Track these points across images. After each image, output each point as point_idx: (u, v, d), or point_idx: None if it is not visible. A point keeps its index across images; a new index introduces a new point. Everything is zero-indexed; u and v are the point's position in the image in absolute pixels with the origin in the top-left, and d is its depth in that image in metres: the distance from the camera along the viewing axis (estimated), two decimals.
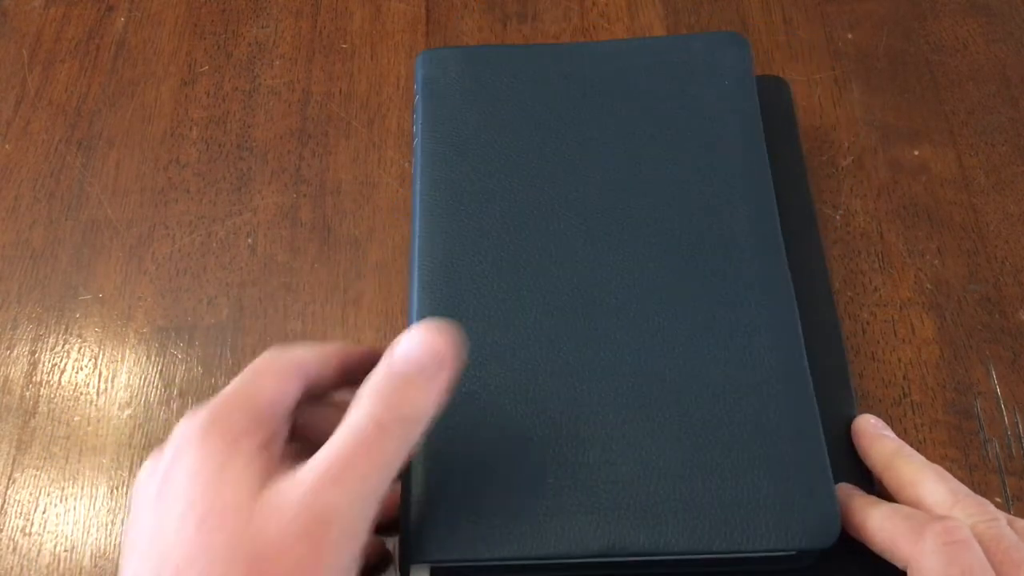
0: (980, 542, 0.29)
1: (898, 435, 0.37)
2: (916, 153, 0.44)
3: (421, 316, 0.34)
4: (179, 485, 0.25)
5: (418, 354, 0.27)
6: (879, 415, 0.37)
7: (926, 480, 0.31)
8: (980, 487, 0.36)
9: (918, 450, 0.37)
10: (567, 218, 0.36)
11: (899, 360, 0.39)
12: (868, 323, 0.39)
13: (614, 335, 0.33)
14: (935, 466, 0.32)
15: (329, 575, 0.24)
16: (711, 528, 0.30)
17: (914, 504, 0.31)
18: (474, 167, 0.37)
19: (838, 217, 0.42)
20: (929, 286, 0.40)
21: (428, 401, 0.27)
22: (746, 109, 0.38)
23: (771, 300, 0.34)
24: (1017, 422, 0.37)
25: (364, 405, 0.26)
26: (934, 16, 0.48)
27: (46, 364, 0.41)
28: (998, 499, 0.36)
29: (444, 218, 0.36)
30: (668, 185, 0.36)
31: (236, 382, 0.28)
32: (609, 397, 0.32)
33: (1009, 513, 0.35)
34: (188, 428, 0.27)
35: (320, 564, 0.24)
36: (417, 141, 0.38)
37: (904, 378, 0.38)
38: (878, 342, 0.39)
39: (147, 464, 0.28)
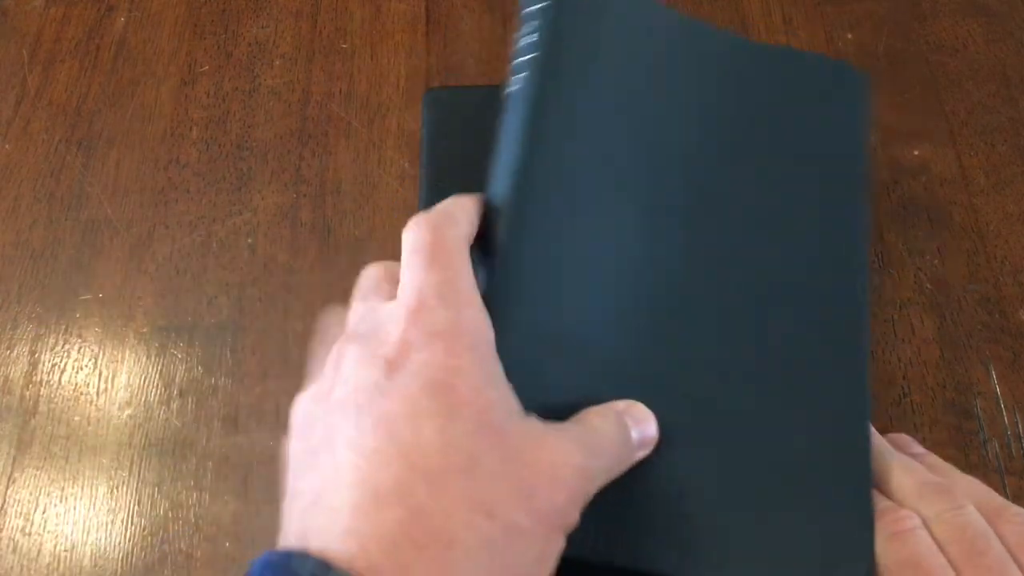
0: (944, 531, 0.29)
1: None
2: (916, 153, 0.44)
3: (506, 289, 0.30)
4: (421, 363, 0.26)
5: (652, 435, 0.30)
6: (879, 415, 0.37)
7: (892, 475, 0.32)
8: None
9: None
10: (663, 217, 0.34)
11: (899, 360, 0.39)
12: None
13: (689, 350, 0.32)
14: (904, 460, 0.32)
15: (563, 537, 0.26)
16: (745, 561, 0.30)
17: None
18: (586, 119, 0.33)
19: None
20: (929, 286, 0.40)
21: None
22: (855, 150, 0.37)
23: (845, 350, 0.33)
24: (1017, 422, 0.37)
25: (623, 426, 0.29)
26: (934, 16, 0.48)
27: (46, 364, 0.41)
28: None
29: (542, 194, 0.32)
30: (766, 208, 0.35)
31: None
32: (672, 415, 0.31)
33: None
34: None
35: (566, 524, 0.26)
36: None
37: (904, 378, 0.38)
38: (878, 342, 0.39)
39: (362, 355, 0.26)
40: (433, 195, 0.34)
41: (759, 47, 0.39)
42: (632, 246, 0.33)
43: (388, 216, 0.44)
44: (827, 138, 0.37)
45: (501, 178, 0.32)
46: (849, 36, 0.48)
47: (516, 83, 0.33)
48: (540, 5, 0.34)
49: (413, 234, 0.28)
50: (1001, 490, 0.36)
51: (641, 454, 0.30)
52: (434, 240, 0.28)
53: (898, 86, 0.46)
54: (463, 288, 0.27)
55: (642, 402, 0.30)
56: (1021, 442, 0.37)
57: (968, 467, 0.36)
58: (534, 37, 0.34)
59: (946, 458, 0.37)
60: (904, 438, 0.34)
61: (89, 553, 0.37)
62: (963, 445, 0.37)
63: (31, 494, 0.38)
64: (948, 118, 0.45)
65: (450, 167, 0.37)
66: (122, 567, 0.36)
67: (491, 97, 0.37)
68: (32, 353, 0.41)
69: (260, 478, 0.37)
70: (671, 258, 0.33)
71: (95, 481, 0.38)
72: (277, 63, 0.49)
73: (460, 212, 0.29)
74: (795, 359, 0.32)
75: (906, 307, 0.40)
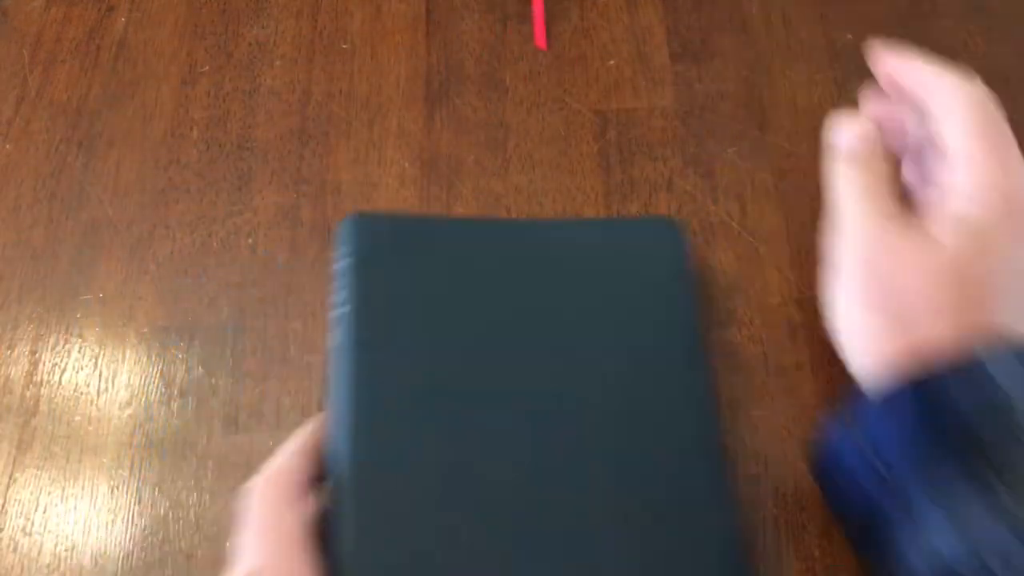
0: None
1: None
2: None
3: (346, 522, 0.32)
4: None
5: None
6: None
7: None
8: None
9: None
10: (505, 412, 0.34)
11: None
12: None
13: (551, 536, 0.32)
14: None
15: None
16: None
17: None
18: (410, 352, 0.35)
19: None
20: None
21: None
22: (682, 297, 0.37)
23: (715, 516, 0.33)
24: None
25: None
26: (934, 16, 0.48)
27: (47, 364, 0.41)
28: None
29: (376, 414, 0.34)
30: (606, 375, 0.35)
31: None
32: None
33: None
34: None
35: None
36: (341, 312, 0.36)
37: None
38: None
39: None
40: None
41: (561, 224, 0.40)
42: (476, 467, 0.33)
43: None
44: (658, 293, 0.37)
45: (335, 441, 0.33)
46: (849, 36, 0.48)
47: (334, 338, 0.36)
48: (341, 263, 0.37)
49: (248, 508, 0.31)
50: None
51: None
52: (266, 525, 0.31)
53: None
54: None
55: None
56: None
57: None
58: (342, 293, 0.36)
59: None
60: None
61: (90, 553, 0.37)
62: None
63: (32, 494, 0.38)
64: None
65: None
66: (122, 567, 0.36)
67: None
68: (32, 353, 0.41)
69: None
70: (516, 469, 0.33)
71: (96, 481, 0.38)
72: (277, 63, 0.49)
73: (292, 473, 0.32)
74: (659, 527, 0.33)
75: None
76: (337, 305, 0.36)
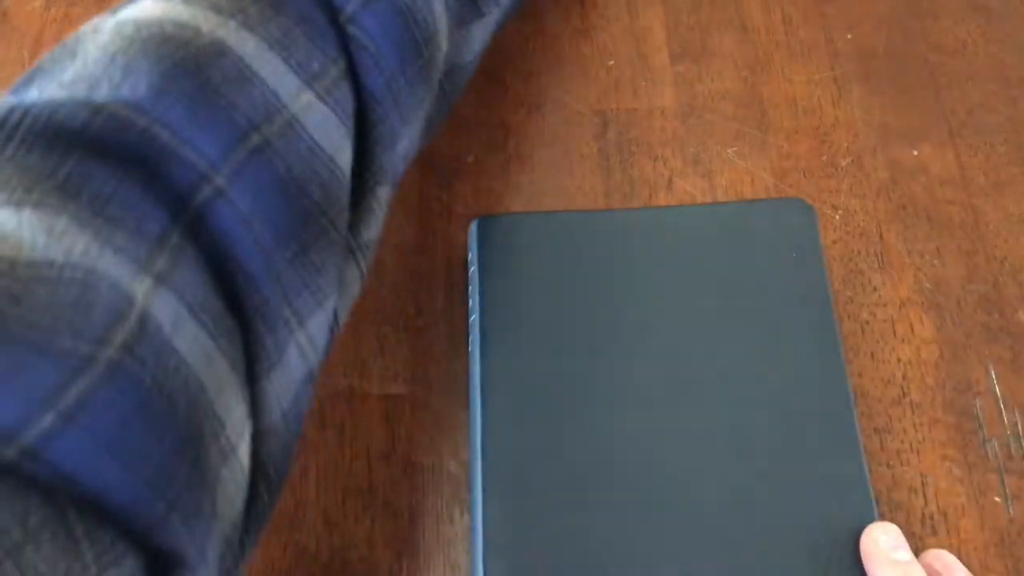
0: None
1: (898, 435, 0.37)
2: (915, 153, 0.44)
3: (487, 526, 0.33)
4: None
5: None
6: (878, 415, 0.37)
7: None
8: (980, 486, 0.36)
9: (917, 450, 0.37)
10: (640, 408, 0.35)
11: (898, 360, 0.39)
12: (867, 323, 0.40)
13: (688, 544, 0.33)
14: None
15: None
16: None
17: None
18: (537, 349, 0.36)
19: (837, 217, 0.42)
20: (928, 286, 0.40)
21: None
22: (815, 282, 0.38)
23: (850, 514, 0.33)
24: (1017, 422, 0.37)
25: None
26: (934, 16, 0.48)
27: None
28: (997, 498, 0.36)
29: (510, 420, 0.35)
30: (737, 366, 0.36)
31: None
32: None
33: (1009, 513, 0.35)
34: None
35: None
36: (474, 318, 0.37)
37: (903, 377, 0.38)
38: (877, 342, 0.39)
39: None
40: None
41: (688, 209, 0.42)
42: (610, 439, 0.35)
43: (387, 215, 0.44)
44: (789, 278, 0.38)
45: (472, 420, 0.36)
46: (849, 36, 0.48)
47: (470, 345, 0.37)
48: (468, 271, 0.39)
49: None
50: (1000, 489, 0.36)
51: None
52: None
53: (898, 86, 0.46)
54: None
55: None
56: (1021, 442, 0.37)
57: (968, 467, 0.36)
58: (471, 301, 0.38)
59: (945, 457, 0.37)
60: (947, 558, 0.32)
61: None
62: (963, 445, 0.37)
63: None
64: (948, 118, 0.45)
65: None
66: None
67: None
68: None
69: None
70: (650, 440, 0.35)
71: None
72: None
73: None
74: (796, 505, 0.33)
75: (906, 307, 0.40)
76: (470, 313, 0.38)
